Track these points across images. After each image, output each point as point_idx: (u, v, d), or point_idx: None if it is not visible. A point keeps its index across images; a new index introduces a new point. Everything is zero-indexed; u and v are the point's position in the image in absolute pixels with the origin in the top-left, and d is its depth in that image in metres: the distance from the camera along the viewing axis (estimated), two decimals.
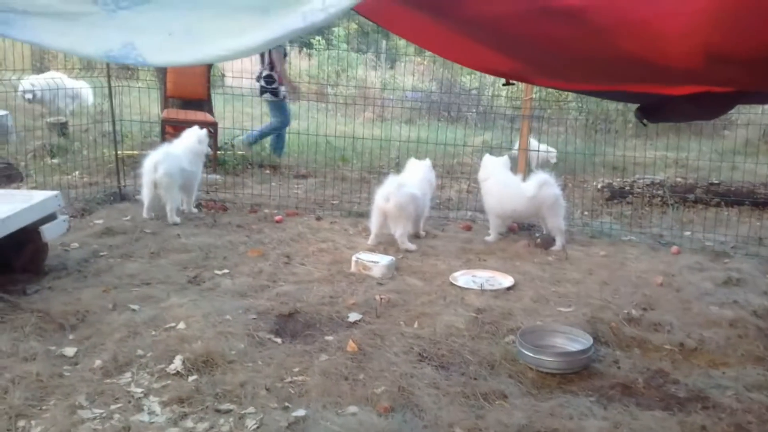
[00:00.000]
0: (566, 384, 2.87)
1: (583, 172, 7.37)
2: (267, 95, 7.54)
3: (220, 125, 6.99)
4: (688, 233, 5.26)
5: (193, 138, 5.30)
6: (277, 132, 7.79)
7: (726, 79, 1.78)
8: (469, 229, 5.28)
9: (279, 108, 7.69)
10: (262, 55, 7.52)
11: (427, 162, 5.21)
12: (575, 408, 2.62)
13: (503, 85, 2.53)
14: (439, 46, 2.07)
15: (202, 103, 7.24)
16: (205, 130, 5.41)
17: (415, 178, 4.97)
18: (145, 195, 5.01)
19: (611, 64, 1.68)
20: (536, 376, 2.92)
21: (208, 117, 6.98)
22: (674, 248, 4.81)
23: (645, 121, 2.59)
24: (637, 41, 1.42)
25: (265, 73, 7.50)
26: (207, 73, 7.17)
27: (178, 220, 4.99)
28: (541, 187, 4.76)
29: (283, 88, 7.60)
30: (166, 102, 7.34)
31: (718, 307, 3.67)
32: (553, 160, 7.24)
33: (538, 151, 6.83)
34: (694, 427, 2.51)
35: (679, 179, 6.70)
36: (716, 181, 6.47)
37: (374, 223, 4.74)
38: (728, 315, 3.54)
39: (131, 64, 1.80)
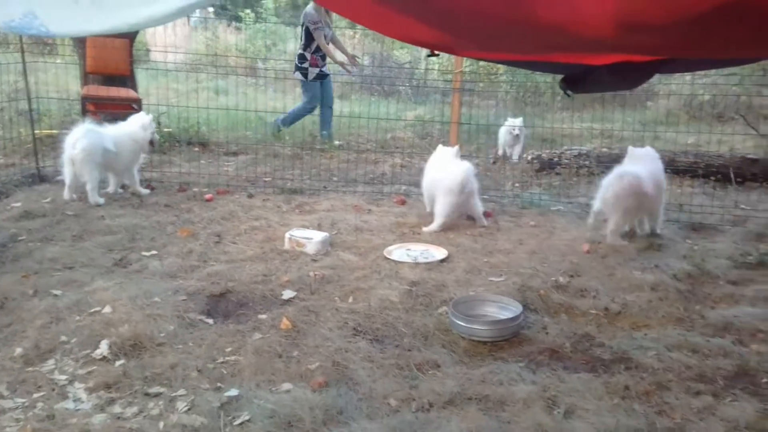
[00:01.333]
0: (497, 351, 2.93)
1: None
2: (297, 74, 7.50)
3: (145, 102, 6.74)
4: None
5: (137, 123, 5.10)
6: (307, 113, 7.73)
7: (639, 47, 1.82)
8: (403, 203, 5.30)
9: (308, 88, 7.59)
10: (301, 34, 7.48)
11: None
12: (505, 374, 2.68)
13: (428, 56, 2.53)
14: (362, 16, 2.04)
15: (125, 79, 6.97)
16: (150, 116, 5.20)
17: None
18: (66, 173, 4.80)
19: (530, 32, 1.69)
20: (468, 345, 2.97)
21: (131, 93, 6.72)
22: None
23: (569, 91, 2.64)
24: (553, 9, 1.43)
25: (299, 51, 7.46)
26: (129, 47, 6.89)
27: (101, 200, 4.80)
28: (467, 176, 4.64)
29: (315, 69, 7.46)
30: (86, 78, 7.03)
31: (641, 272, 3.82)
32: (515, 132, 7.24)
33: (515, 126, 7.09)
34: (617, 387, 2.61)
35: (604, 149, 6.91)
36: None
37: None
38: (650, 279, 3.68)
39: (35, 34, 1.69)
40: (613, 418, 2.38)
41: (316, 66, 7.51)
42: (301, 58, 7.44)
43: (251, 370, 2.64)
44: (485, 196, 5.38)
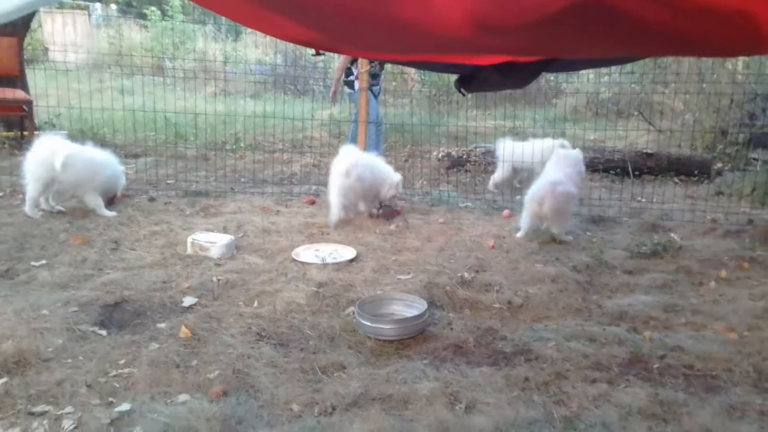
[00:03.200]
0: (403, 349, 2.93)
1: (427, 143, 7.58)
2: (346, 89, 7.06)
3: (42, 103, 6.36)
4: (518, 197, 5.57)
5: None
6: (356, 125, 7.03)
7: (505, 48, 1.84)
8: (312, 203, 5.25)
9: (354, 101, 6.91)
10: None
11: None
12: (410, 372, 2.67)
13: (312, 55, 2.48)
14: (235, 13, 1.97)
15: (15, 80, 6.55)
16: None
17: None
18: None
19: (396, 32, 1.68)
20: (375, 345, 2.95)
21: (19, 94, 6.33)
22: (505, 212, 5.09)
23: (463, 90, 2.66)
24: (410, 9, 1.41)
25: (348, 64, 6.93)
26: (17, 45, 6.48)
27: (108, 213, 4.65)
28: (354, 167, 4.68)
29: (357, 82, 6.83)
30: None
31: (543, 265, 3.92)
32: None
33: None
34: (517, 378, 2.65)
35: None
36: None
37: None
38: (551, 272, 3.79)
39: None
40: (512, 410, 2.41)
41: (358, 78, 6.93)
42: (349, 71, 7.00)
43: (146, 383, 2.52)
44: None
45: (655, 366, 2.79)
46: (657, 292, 3.60)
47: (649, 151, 6.77)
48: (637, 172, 6.46)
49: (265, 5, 1.59)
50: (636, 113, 9.06)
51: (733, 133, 6.89)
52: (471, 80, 2.43)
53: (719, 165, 6.90)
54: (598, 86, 9.61)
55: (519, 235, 4.48)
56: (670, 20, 1.30)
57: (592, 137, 7.75)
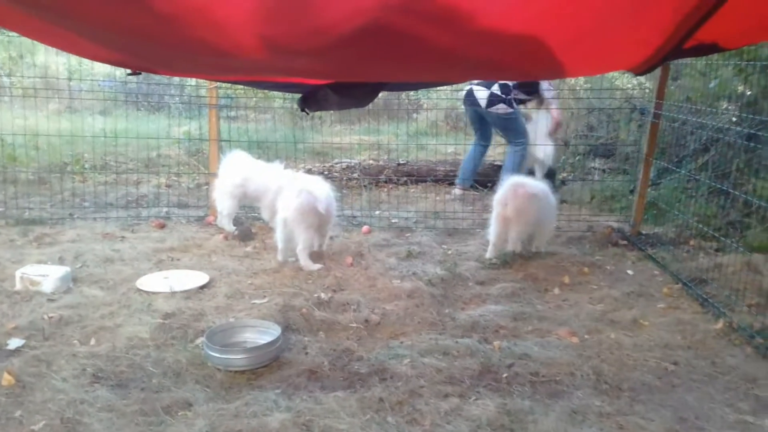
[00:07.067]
0: (255, 379, 2.81)
1: (289, 159, 7.44)
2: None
3: None
4: (377, 212, 5.62)
5: None
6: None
7: (311, 71, 1.81)
8: (162, 227, 4.96)
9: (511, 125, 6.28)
10: None
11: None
12: (261, 404, 2.56)
13: (128, 74, 2.33)
14: (32, 32, 1.78)
15: None
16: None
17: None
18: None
19: (199, 53, 1.59)
20: (225, 377, 2.81)
21: None
22: (365, 228, 5.08)
23: (306, 109, 2.61)
24: (203, 30, 1.34)
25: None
26: None
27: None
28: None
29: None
30: None
31: (400, 281, 3.94)
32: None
33: None
34: (372, 400, 2.62)
35: (371, 161, 7.14)
36: (403, 162, 7.04)
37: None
38: (407, 287, 3.81)
39: None
40: None
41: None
42: (506, 88, 6.04)
43: None
44: (254, 214, 5.24)
45: (504, 375, 2.87)
46: (506, 301, 3.72)
47: (499, 163, 7.07)
48: (489, 184, 6.71)
49: (53, 22, 1.43)
50: None
51: (574, 145, 7.36)
52: (311, 100, 2.38)
53: (563, 175, 7.35)
54: (455, 102, 9.95)
55: (487, 255, 4.47)
56: (459, 45, 1.31)
57: (450, 150, 7.98)
